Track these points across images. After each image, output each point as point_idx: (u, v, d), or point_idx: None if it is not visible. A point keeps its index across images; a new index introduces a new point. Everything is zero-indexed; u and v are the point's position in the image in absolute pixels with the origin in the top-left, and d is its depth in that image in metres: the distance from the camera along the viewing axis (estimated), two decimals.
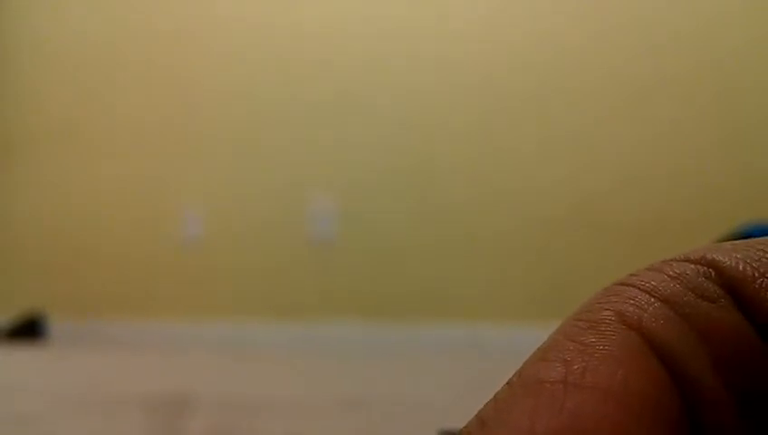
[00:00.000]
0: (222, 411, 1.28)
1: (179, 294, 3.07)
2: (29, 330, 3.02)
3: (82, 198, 3.17)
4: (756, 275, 0.14)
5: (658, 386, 0.12)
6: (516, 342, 2.84)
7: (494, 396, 0.13)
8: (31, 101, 3.25)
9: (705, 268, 0.14)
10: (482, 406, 0.13)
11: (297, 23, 3.07)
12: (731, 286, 0.14)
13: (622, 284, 0.14)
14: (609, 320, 0.13)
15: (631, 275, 0.14)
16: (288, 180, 3.03)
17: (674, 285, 0.14)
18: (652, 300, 0.13)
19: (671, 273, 0.14)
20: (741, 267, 0.14)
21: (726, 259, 0.14)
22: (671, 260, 0.14)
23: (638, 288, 0.14)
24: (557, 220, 2.86)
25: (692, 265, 0.14)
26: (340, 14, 3.04)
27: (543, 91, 2.92)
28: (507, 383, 0.13)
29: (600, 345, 0.13)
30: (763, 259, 0.14)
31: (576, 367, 0.12)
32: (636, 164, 2.86)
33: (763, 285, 0.14)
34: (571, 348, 0.13)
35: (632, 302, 0.13)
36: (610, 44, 2.91)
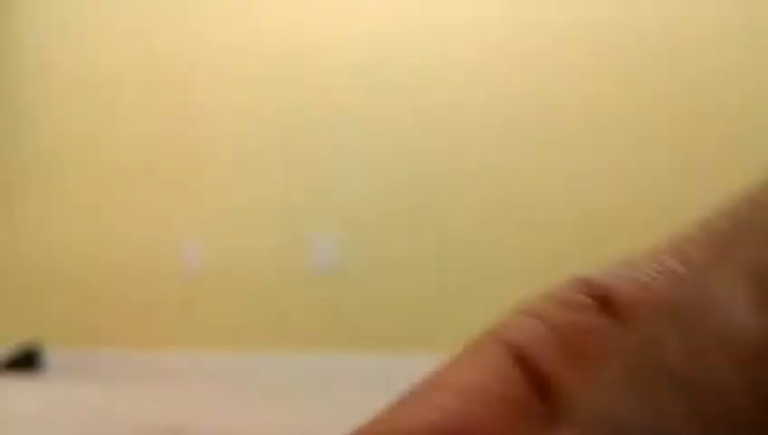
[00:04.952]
0: None
1: (178, 325, 3.05)
2: (27, 361, 3.01)
3: (81, 231, 3.17)
4: (622, 282, 0.16)
5: (510, 383, 0.15)
6: None
7: (395, 400, 0.16)
8: (29, 137, 3.25)
9: (576, 283, 0.17)
10: None
11: (298, 59, 3.08)
12: (599, 295, 0.16)
13: (509, 311, 0.17)
14: (482, 337, 0.17)
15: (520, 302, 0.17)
16: (288, 212, 3.03)
17: (543, 301, 0.17)
18: (523, 317, 0.17)
19: (547, 292, 0.17)
20: (608, 277, 0.17)
21: (597, 274, 0.17)
22: (554, 285, 0.17)
23: (517, 309, 0.17)
24: (560, 252, 2.86)
25: (566, 283, 0.17)
26: (344, 50, 3.06)
27: (549, 127, 2.93)
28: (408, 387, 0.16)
29: (467, 357, 0.16)
30: (631, 270, 0.17)
31: (444, 375, 0.16)
32: (639, 193, 2.86)
33: (626, 290, 0.16)
34: (448, 362, 0.16)
35: (505, 321, 0.17)
36: (609, 95, 2.92)
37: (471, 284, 2.89)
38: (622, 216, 2.87)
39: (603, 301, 0.16)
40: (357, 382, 2.78)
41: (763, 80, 2.83)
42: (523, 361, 0.16)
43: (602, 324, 0.16)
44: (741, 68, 2.84)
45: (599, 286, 0.16)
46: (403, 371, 2.86)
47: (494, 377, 0.15)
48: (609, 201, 2.87)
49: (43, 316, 3.16)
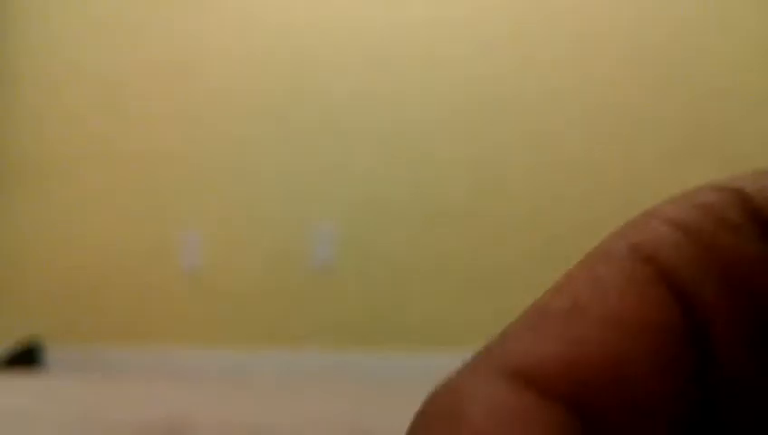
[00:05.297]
0: None
1: (178, 321, 3.06)
2: (27, 357, 3.01)
3: (81, 228, 3.17)
4: None
5: (663, 315, 0.12)
6: None
7: (508, 325, 0.13)
8: (31, 133, 3.25)
9: (731, 196, 0.13)
10: None
11: (297, 53, 3.08)
12: (756, 214, 0.13)
13: (644, 214, 0.14)
14: (622, 252, 0.13)
15: (656, 205, 0.14)
16: (288, 207, 3.03)
17: (696, 215, 0.13)
18: (669, 230, 0.13)
19: (695, 202, 0.14)
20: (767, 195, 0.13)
21: (753, 186, 0.14)
22: (698, 189, 0.14)
23: (658, 218, 0.13)
24: (555, 249, 2.85)
25: (717, 193, 0.14)
26: (342, 46, 3.06)
27: (543, 122, 2.93)
28: (521, 314, 0.13)
29: (608, 277, 0.13)
30: None
31: (582, 297, 0.13)
32: (633, 191, 2.86)
33: None
34: (582, 279, 0.13)
35: (648, 232, 0.13)
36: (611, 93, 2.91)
37: (473, 278, 2.89)
38: (621, 206, 2.86)
39: (758, 221, 0.13)
40: (357, 377, 2.77)
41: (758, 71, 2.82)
42: (679, 291, 0.13)
43: (764, 257, 0.13)
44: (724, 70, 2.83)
45: (753, 204, 0.13)
46: (402, 365, 2.86)
47: (644, 307, 0.12)
48: (609, 192, 2.86)
49: (43, 313, 3.16)
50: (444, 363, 2.85)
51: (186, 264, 3.06)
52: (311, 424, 1.40)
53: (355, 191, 2.99)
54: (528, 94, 2.94)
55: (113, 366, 3.05)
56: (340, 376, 2.84)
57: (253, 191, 3.06)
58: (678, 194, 0.14)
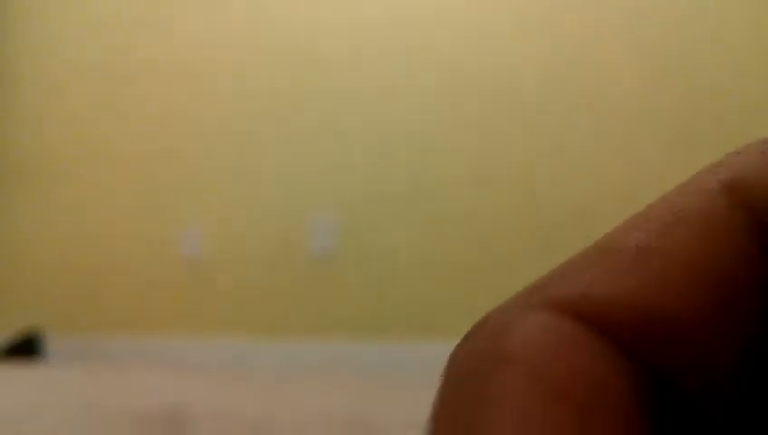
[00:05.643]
0: (220, 430, 1.30)
1: (178, 311, 3.06)
2: (27, 347, 3.02)
3: (81, 218, 3.18)
4: None
5: (746, 267, 0.11)
6: None
7: (566, 260, 0.12)
8: (31, 133, 3.25)
9: None
10: None
11: (297, 50, 3.09)
12: None
13: (754, 143, 0.12)
14: (714, 188, 0.11)
15: (752, 142, 0.12)
16: (288, 198, 3.02)
17: None
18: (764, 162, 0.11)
19: None
20: None
21: None
22: None
23: (755, 152, 0.12)
24: (558, 239, 2.86)
25: None
26: (343, 38, 3.06)
27: (544, 114, 2.93)
28: (583, 249, 0.12)
29: (692, 216, 0.11)
30: None
31: (655, 236, 0.11)
32: (633, 190, 2.87)
33: None
34: (660, 216, 0.11)
35: (750, 169, 0.11)
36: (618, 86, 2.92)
37: (472, 267, 2.88)
38: (621, 203, 2.88)
39: None
40: (357, 368, 2.79)
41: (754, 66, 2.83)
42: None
43: None
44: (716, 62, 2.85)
45: None
46: (403, 357, 2.88)
47: (725, 256, 0.11)
48: (609, 190, 2.88)
49: (44, 303, 3.17)
50: (444, 355, 2.86)
51: (186, 254, 3.07)
52: (310, 415, 1.44)
53: (355, 182, 2.99)
54: (528, 93, 2.95)
55: (113, 356, 3.07)
56: (341, 367, 2.86)
57: (253, 182, 3.06)
58: None
